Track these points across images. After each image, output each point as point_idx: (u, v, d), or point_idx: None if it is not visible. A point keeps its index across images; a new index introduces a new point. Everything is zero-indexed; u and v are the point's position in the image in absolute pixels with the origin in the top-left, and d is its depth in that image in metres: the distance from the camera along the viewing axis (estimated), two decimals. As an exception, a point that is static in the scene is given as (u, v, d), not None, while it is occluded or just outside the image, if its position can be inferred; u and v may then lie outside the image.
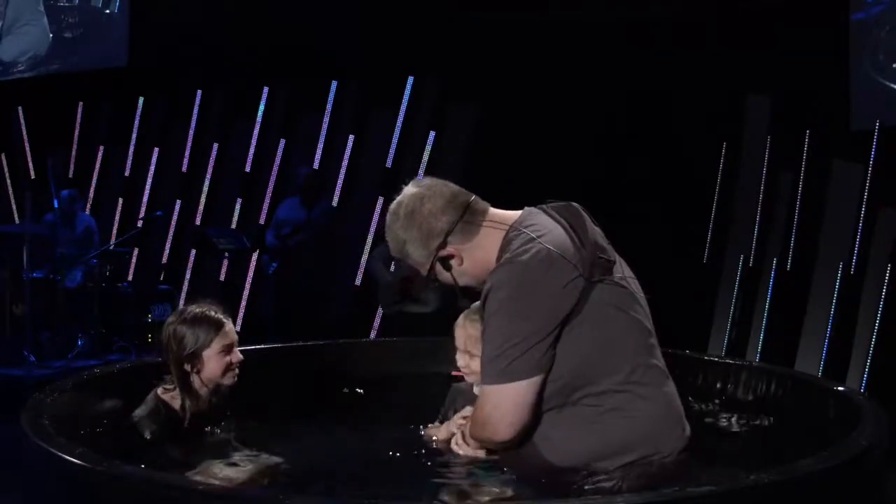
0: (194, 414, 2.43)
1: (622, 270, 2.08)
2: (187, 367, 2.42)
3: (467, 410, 2.33)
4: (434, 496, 1.99)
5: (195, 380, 2.44)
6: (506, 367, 1.91)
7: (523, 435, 1.98)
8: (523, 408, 1.94)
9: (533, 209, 2.12)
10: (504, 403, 1.94)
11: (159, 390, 2.44)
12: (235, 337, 2.48)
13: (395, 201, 2.15)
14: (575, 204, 2.12)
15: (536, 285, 1.93)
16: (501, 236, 2.06)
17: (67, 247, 7.44)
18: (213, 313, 2.47)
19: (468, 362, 2.37)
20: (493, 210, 2.13)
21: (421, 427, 2.51)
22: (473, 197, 2.13)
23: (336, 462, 2.36)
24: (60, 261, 7.21)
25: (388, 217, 2.16)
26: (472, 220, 2.09)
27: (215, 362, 2.43)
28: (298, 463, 2.28)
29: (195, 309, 2.48)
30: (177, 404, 2.42)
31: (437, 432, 2.42)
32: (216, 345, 2.42)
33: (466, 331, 2.35)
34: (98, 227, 8.18)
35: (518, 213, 2.13)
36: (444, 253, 2.08)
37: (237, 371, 2.47)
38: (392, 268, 5.86)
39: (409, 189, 2.14)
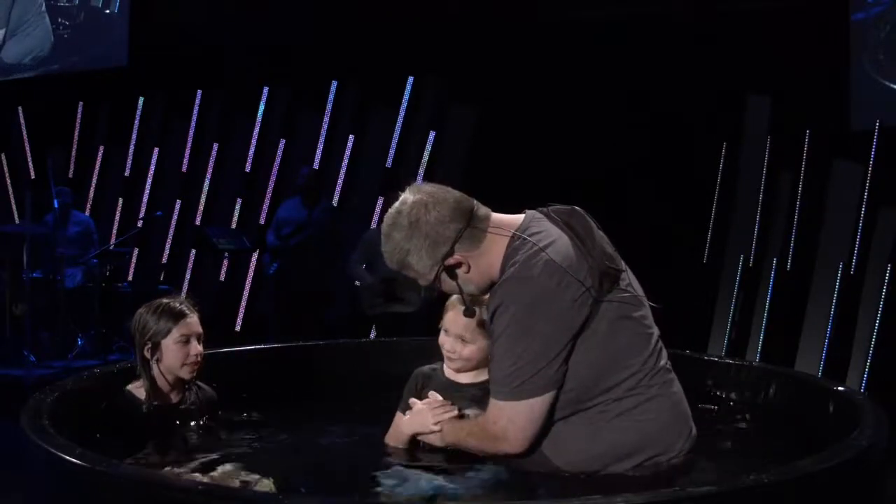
0: (160, 406, 2.47)
1: (628, 276, 2.07)
2: (147, 354, 2.49)
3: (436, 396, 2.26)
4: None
5: (155, 369, 2.49)
6: (520, 385, 1.91)
7: (536, 445, 1.99)
8: (538, 422, 1.95)
9: (536, 213, 2.08)
10: (520, 419, 1.94)
11: (130, 384, 2.51)
12: (197, 329, 2.53)
13: (393, 210, 2.04)
14: (579, 209, 2.07)
15: (547, 302, 1.91)
16: (506, 243, 2.02)
17: (62, 246, 7.42)
18: (177, 305, 2.54)
19: (458, 348, 2.29)
20: (494, 215, 2.07)
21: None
22: (475, 202, 2.07)
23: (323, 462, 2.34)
24: (58, 261, 7.20)
25: (385, 227, 2.04)
26: (478, 226, 2.03)
27: (173, 352, 2.48)
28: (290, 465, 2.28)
29: (164, 300, 2.57)
30: (141, 394, 2.48)
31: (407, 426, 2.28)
32: (175, 334, 2.48)
33: (465, 318, 2.19)
34: (97, 227, 8.17)
35: (520, 217, 2.08)
36: (451, 261, 2.01)
37: (196, 366, 2.51)
38: (370, 269, 5.88)
39: (409, 196, 2.03)
